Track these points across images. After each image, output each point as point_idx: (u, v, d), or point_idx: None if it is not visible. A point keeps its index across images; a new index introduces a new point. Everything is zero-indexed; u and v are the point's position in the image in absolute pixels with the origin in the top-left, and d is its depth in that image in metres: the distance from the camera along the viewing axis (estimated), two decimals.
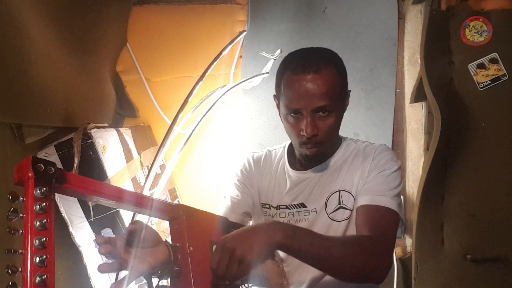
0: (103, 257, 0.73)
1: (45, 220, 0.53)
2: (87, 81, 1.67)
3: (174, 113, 1.70)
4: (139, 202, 0.74)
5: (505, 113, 1.69)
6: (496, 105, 1.70)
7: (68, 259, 1.51)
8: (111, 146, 1.53)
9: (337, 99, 1.00)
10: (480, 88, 1.71)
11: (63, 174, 0.59)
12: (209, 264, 0.77)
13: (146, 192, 1.58)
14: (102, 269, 0.67)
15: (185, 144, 1.75)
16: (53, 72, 1.40)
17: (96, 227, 1.46)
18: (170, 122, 1.73)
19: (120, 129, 1.67)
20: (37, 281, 0.50)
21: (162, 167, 1.80)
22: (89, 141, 1.44)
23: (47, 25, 1.36)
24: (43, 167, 0.55)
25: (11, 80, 1.19)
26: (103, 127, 1.57)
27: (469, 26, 1.72)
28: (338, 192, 1.05)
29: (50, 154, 1.44)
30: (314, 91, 0.95)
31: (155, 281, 0.78)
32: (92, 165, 1.44)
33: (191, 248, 0.75)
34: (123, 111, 2.00)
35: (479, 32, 1.71)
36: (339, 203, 1.04)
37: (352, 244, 0.86)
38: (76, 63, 1.57)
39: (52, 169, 0.56)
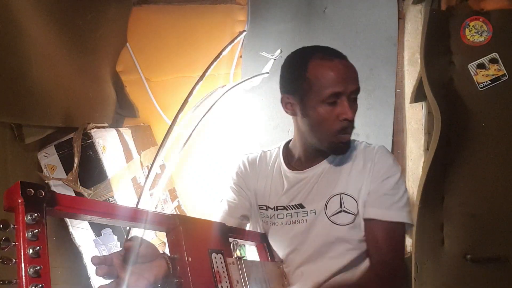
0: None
1: (38, 247, 0.52)
2: (87, 81, 1.67)
3: (174, 113, 1.70)
4: (134, 216, 0.73)
5: (505, 113, 1.69)
6: (496, 105, 1.70)
7: (68, 259, 1.51)
8: (111, 146, 1.53)
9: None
10: (480, 88, 1.71)
11: (54, 197, 0.58)
12: (208, 273, 0.77)
13: (146, 192, 1.58)
14: None
15: (185, 144, 1.75)
16: (53, 72, 1.40)
17: (96, 227, 1.46)
18: (170, 122, 1.73)
19: (120, 129, 1.67)
20: None
21: (162, 167, 1.80)
22: (89, 141, 1.44)
23: (47, 25, 1.36)
24: (33, 191, 0.54)
25: (11, 80, 1.19)
26: (103, 127, 1.57)
27: (469, 26, 1.72)
28: (339, 195, 1.03)
29: (50, 154, 1.44)
30: (351, 74, 0.99)
31: None
32: (92, 165, 1.44)
33: (190, 259, 0.74)
34: (123, 111, 2.00)
35: (479, 32, 1.71)
36: (341, 207, 1.02)
37: None
38: (76, 63, 1.57)
39: (43, 192, 0.55)
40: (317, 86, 0.97)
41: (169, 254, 0.77)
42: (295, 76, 1.02)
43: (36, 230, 0.52)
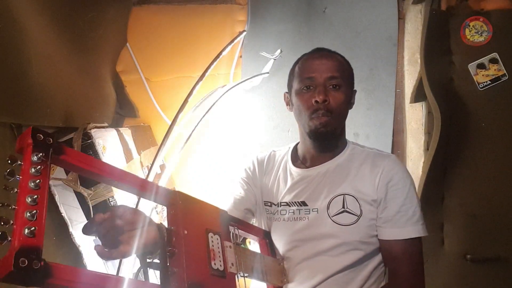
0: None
1: (38, 180, 0.59)
2: (87, 81, 1.67)
3: (174, 113, 1.70)
4: (137, 184, 0.75)
5: (505, 113, 1.69)
6: (496, 105, 1.70)
7: (68, 259, 1.51)
8: (111, 146, 1.53)
9: (346, 79, 1.08)
10: (480, 88, 1.71)
11: (61, 147, 0.64)
12: (203, 249, 0.78)
13: None
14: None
15: (185, 144, 1.75)
16: (53, 72, 1.40)
17: None
18: (170, 122, 1.73)
19: (120, 129, 1.67)
20: (26, 232, 0.55)
21: (162, 167, 1.80)
22: (89, 141, 1.44)
23: (47, 25, 1.36)
24: (42, 137, 0.61)
25: (11, 80, 1.19)
26: (103, 127, 1.57)
27: (469, 26, 1.72)
28: (342, 196, 1.04)
29: None
30: (327, 63, 1.06)
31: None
32: None
33: (186, 232, 0.76)
34: (123, 111, 2.00)
35: (479, 32, 1.71)
36: (343, 207, 1.03)
37: None
38: (76, 63, 1.57)
39: (51, 140, 0.62)
40: (298, 75, 1.10)
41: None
42: (290, 74, 1.16)
43: (39, 167, 0.59)
